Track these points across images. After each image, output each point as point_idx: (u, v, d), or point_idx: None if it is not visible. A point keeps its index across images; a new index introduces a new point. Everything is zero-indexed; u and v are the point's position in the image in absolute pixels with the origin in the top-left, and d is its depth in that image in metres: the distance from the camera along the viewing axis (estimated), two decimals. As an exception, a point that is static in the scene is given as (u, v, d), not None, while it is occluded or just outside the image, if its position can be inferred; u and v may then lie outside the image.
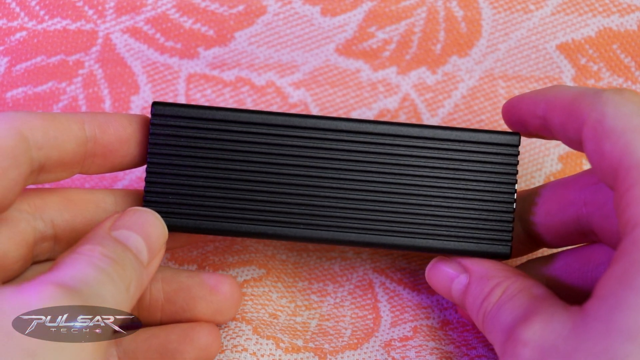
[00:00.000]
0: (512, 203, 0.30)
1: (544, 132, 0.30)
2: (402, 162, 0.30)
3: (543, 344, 0.24)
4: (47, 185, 0.33)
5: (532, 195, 0.32)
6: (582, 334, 0.23)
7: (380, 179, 0.30)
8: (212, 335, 0.31)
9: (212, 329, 0.31)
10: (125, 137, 0.30)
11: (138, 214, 0.28)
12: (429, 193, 0.30)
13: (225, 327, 0.32)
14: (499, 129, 0.40)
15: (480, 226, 0.30)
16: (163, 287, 0.31)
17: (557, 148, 0.39)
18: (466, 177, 0.30)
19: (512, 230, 0.30)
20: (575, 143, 0.28)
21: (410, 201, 0.30)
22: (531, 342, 0.24)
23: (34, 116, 0.27)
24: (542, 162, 0.39)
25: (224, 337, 0.32)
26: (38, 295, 0.22)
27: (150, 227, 0.28)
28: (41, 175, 0.28)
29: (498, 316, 0.27)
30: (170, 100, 0.40)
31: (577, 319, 0.23)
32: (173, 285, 0.31)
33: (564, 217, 0.30)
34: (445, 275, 0.31)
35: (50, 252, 0.30)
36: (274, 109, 0.40)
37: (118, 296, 0.25)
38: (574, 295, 0.31)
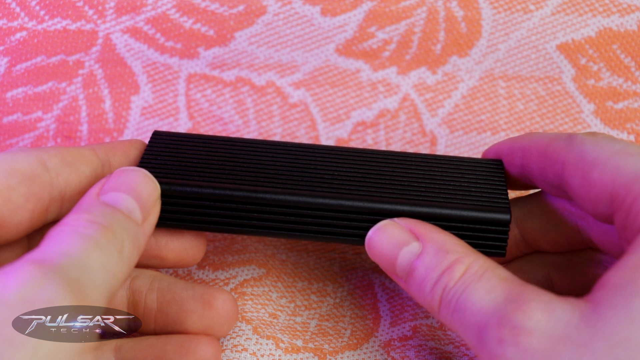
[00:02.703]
0: (504, 183, 0.30)
1: (524, 180, 0.31)
2: (397, 166, 0.31)
3: (552, 334, 0.23)
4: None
5: (530, 201, 0.32)
6: (598, 323, 0.22)
7: (378, 172, 0.31)
8: (210, 348, 0.30)
9: (212, 341, 0.30)
10: (133, 158, 0.31)
11: (125, 173, 0.28)
12: (426, 176, 0.31)
13: (225, 327, 0.32)
14: (498, 129, 0.40)
15: (478, 197, 0.30)
16: (157, 297, 0.31)
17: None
18: (459, 175, 0.31)
19: (508, 198, 0.30)
20: (555, 187, 0.29)
21: (408, 181, 0.30)
22: (536, 331, 0.23)
23: (50, 147, 0.28)
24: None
25: (224, 337, 0.32)
26: (15, 275, 0.22)
27: (139, 184, 0.27)
28: (64, 206, 0.28)
29: (468, 296, 0.25)
30: (171, 100, 0.40)
31: (585, 308, 0.23)
32: (167, 296, 0.30)
33: (564, 228, 0.30)
34: (394, 240, 0.28)
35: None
36: (274, 109, 0.40)
37: (107, 262, 0.24)
38: (571, 283, 0.31)
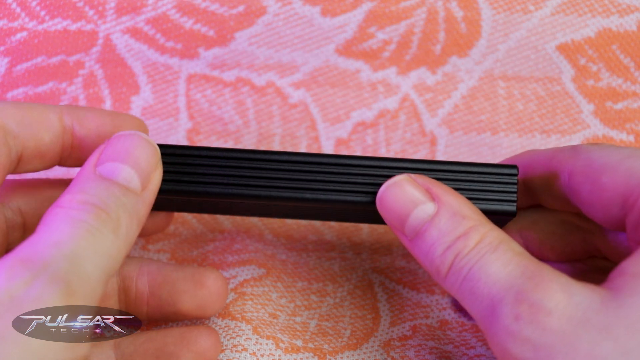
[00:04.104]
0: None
1: (525, 197, 0.31)
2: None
3: (572, 316, 0.23)
4: (16, 176, 0.33)
5: (534, 212, 0.32)
6: (619, 309, 0.22)
7: None
8: (210, 338, 0.30)
9: (211, 332, 0.31)
10: (105, 133, 0.29)
11: (122, 139, 0.26)
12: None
13: (225, 327, 0.32)
14: (498, 129, 0.40)
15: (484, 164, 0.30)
16: (148, 281, 0.31)
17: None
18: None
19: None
20: (560, 200, 0.29)
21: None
22: (557, 311, 0.23)
23: (10, 105, 0.27)
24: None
25: (224, 337, 0.32)
26: (3, 272, 0.22)
27: (137, 150, 0.26)
28: (19, 166, 0.28)
29: (482, 266, 0.25)
30: (171, 100, 0.40)
31: (605, 294, 0.23)
32: (158, 279, 0.31)
33: (569, 238, 0.30)
34: (409, 197, 0.27)
35: (21, 240, 0.29)
36: (274, 109, 0.40)
37: (101, 246, 0.23)
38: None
